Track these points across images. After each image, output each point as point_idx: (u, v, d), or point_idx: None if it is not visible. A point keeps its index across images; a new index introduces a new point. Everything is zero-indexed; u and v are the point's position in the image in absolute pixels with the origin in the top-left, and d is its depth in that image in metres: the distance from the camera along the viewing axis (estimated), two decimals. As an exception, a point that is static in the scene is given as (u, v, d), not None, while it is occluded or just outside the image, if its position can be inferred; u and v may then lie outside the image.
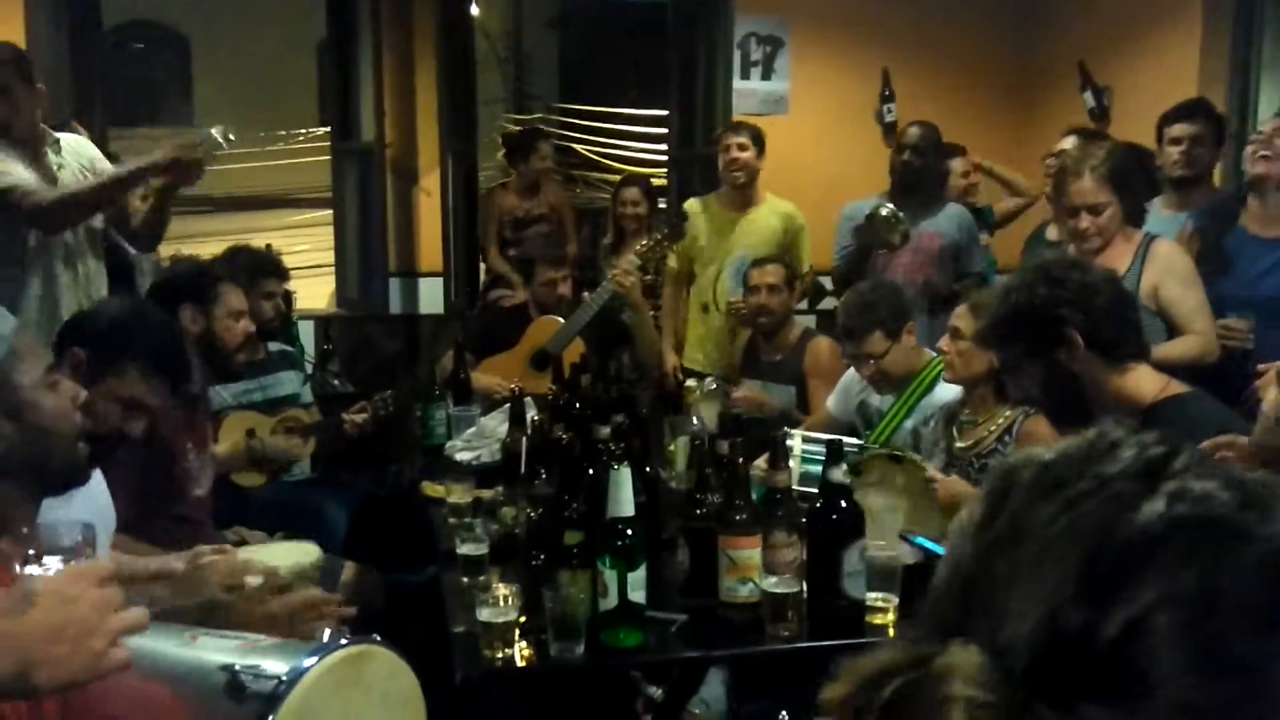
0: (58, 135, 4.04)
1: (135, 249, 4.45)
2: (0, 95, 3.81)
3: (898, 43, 6.70)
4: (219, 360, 3.45)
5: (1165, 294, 3.53)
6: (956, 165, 5.46)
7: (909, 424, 3.66)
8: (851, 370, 3.98)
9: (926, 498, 2.95)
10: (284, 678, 1.72)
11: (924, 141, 4.97)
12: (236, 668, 1.75)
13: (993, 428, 3.16)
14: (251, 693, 1.73)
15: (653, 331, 5.20)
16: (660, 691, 3.36)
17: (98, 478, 2.63)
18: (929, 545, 2.71)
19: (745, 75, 6.60)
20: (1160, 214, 4.14)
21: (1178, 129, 4.18)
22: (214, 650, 1.85)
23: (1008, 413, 3.14)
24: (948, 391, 3.50)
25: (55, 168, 3.93)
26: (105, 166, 4.13)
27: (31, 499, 1.80)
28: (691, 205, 5.39)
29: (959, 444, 3.25)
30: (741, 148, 5.12)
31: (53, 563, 1.57)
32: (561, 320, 4.84)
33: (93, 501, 2.55)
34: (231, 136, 3.79)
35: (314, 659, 1.77)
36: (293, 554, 2.99)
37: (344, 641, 1.84)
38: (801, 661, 2.65)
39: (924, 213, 4.89)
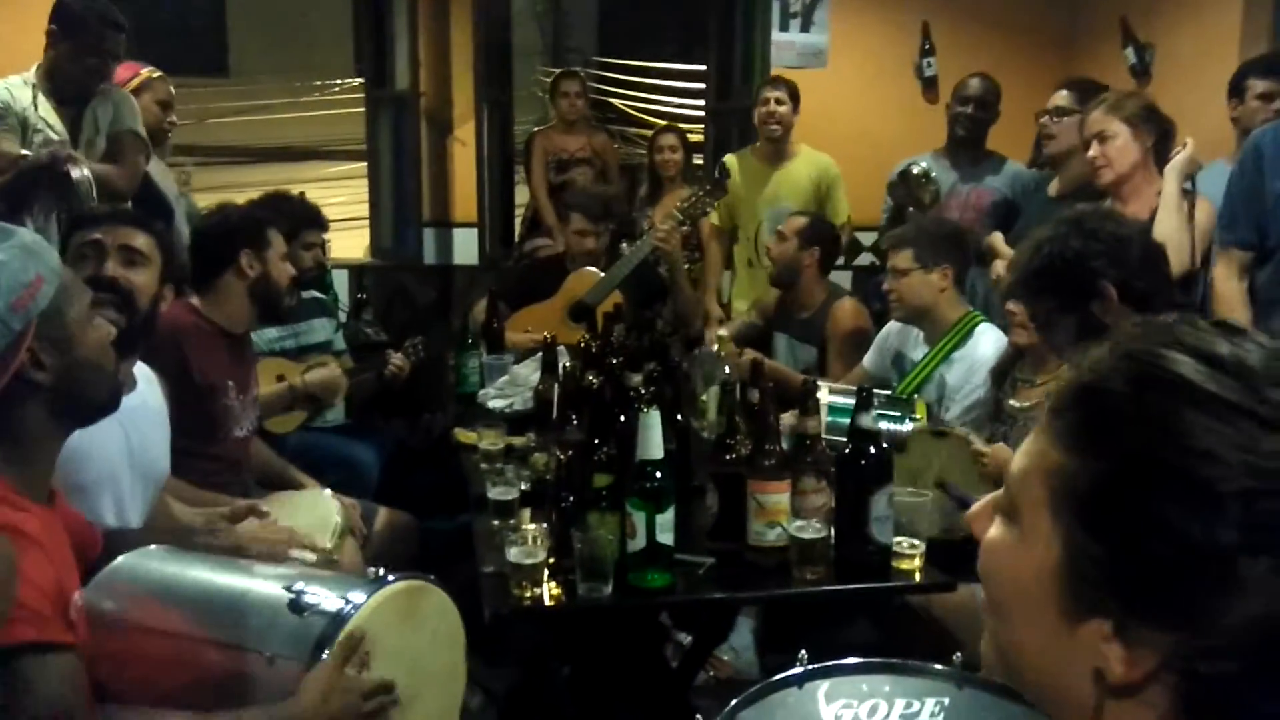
0: (103, 87, 4.07)
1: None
2: (100, 59, 3.92)
3: (939, -5, 6.61)
4: (273, 303, 3.41)
5: None
6: None
7: (938, 373, 3.64)
8: (887, 326, 3.99)
9: (970, 468, 2.93)
10: (349, 599, 1.84)
11: (987, 94, 4.92)
12: (300, 588, 1.86)
13: (1053, 388, 3.02)
14: (316, 610, 1.83)
15: (690, 286, 5.21)
16: (690, 638, 3.39)
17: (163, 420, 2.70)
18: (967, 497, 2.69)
19: (784, 27, 6.50)
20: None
21: (1264, 85, 4.03)
22: (273, 575, 1.97)
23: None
24: (985, 345, 3.48)
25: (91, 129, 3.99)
26: (125, 124, 4.13)
27: (62, 429, 1.84)
28: (730, 160, 5.44)
29: (1012, 402, 3.14)
30: (779, 102, 5.26)
31: None
32: (599, 272, 4.81)
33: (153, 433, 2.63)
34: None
35: (375, 587, 1.89)
36: (311, 524, 2.97)
37: (391, 578, 1.94)
38: (828, 608, 2.67)
39: (978, 169, 4.87)
